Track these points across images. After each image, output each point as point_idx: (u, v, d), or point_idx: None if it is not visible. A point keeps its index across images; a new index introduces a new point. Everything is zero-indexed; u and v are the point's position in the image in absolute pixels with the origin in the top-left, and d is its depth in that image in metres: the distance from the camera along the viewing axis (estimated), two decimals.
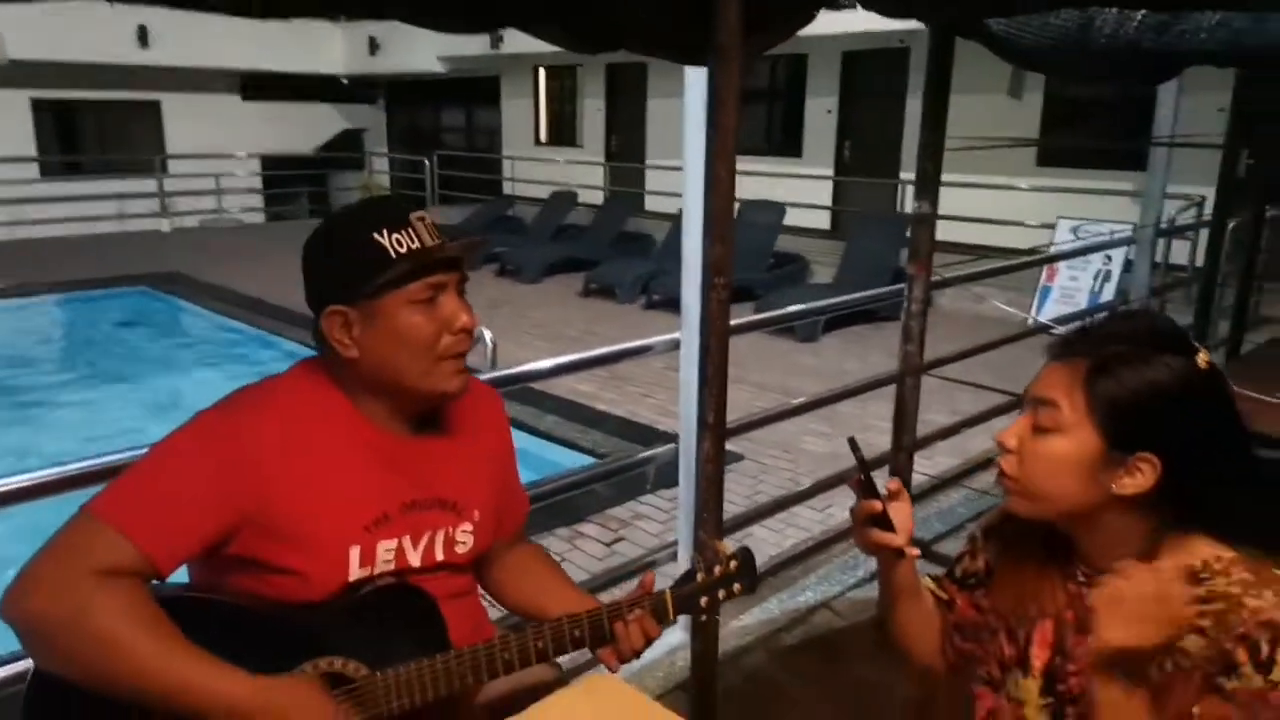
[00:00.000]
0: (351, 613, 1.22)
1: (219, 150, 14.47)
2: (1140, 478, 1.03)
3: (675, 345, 2.45)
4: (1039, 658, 1.15)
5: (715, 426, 1.95)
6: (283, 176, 15.53)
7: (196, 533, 1.15)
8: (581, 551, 3.71)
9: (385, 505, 1.26)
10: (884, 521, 1.17)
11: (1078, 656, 1.11)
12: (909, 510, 1.21)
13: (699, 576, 1.35)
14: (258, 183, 15.45)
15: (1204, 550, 1.06)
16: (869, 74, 10.80)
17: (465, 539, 1.34)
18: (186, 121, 14.75)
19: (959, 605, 1.29)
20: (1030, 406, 1.10)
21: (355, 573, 1.23)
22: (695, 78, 2.29)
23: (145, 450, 1.20)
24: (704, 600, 1.34)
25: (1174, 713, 1.02)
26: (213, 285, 9.81)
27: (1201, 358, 1.04)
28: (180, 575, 1.27)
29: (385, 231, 1.20)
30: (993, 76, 8.09)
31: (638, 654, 1.33)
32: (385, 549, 1.25)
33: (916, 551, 1.20)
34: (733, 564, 1.36)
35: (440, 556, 1.31)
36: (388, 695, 1.20)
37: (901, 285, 3.03)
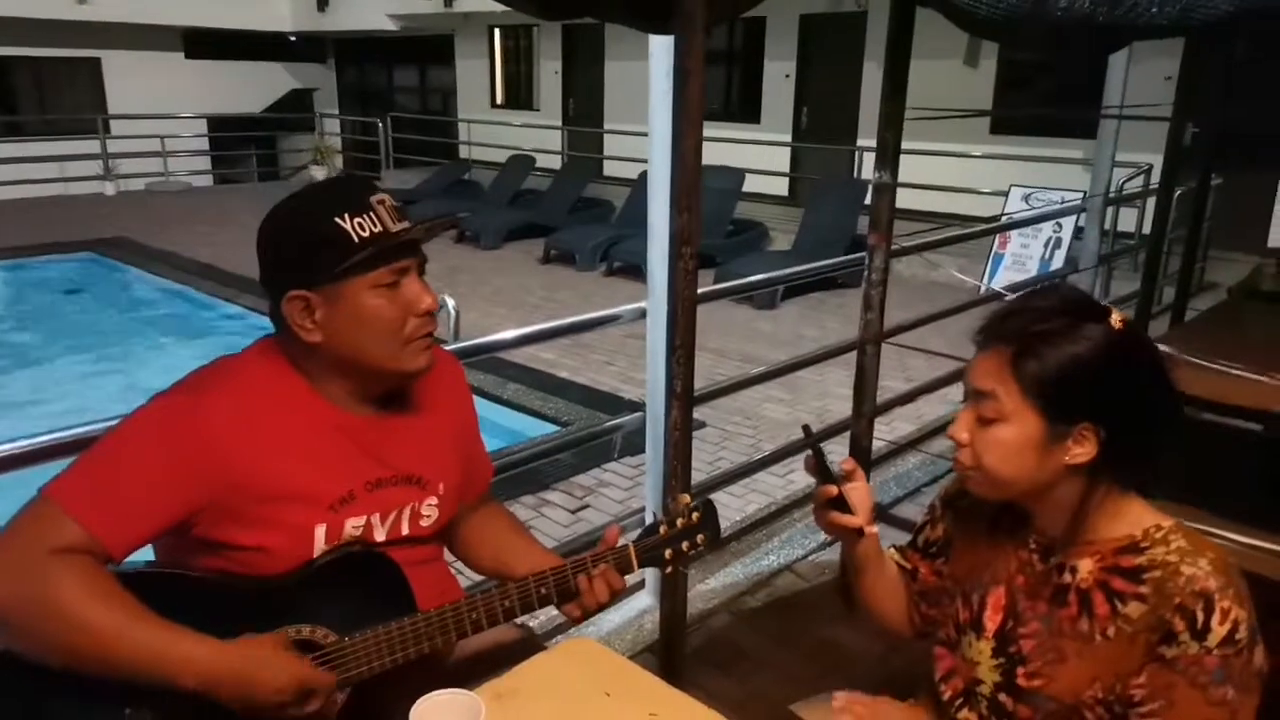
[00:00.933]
0: (316, 580, 1.23)
1: (163, 110, 14.03)
2: (1085, 445, 1.08)
3: (642, 314, 2.47)
4: (992, 621, 1.21)
5: (683, 395, 1.98)
6: (230, 138, 15.14)
7: (152, 518, 1.15)
8: (547, 519, 3.74)
9: (351, 484, 1.26)
10: (841, 504, 1.22)
11: (1028, 620, 1.17)
12: (866, 488, 1.25)
13: (661, 529, 1.37)
14: (204, 144, 15.07)
15: (1145, 519, 1.12)
16: (827, 38, 10.80)
17: (430, 512, 1.35)
18: (128, 80, 14.30)
19: (922, 573, 1.34)
20: (971, 399, 1.14)
21: (320, 550, 1.24)
22: (659, 46, 2.29)
23: (101, 430, 1.19)
24: (668, 552, 1.37)
25: (1118, 675, 1.08)
26: (162, 250, 9.59)
27: (1115, 318, 1.08)
28: (145, 551, 1.28)
29: (347, 216, 1.19)
30: (950, 43, 8.15)
31: (602, 607, 1.35)
32: (352, 526, 1.26)
33: (875, 529, 1.25)
34: (695, 515, 1.38)
35: (406, 531, 1.33)
36: (357, 659, 1.21)
37: (862, 254, 3.09)
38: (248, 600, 1.21)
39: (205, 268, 8.78)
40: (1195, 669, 1.03)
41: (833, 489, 1.21)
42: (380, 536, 1.30)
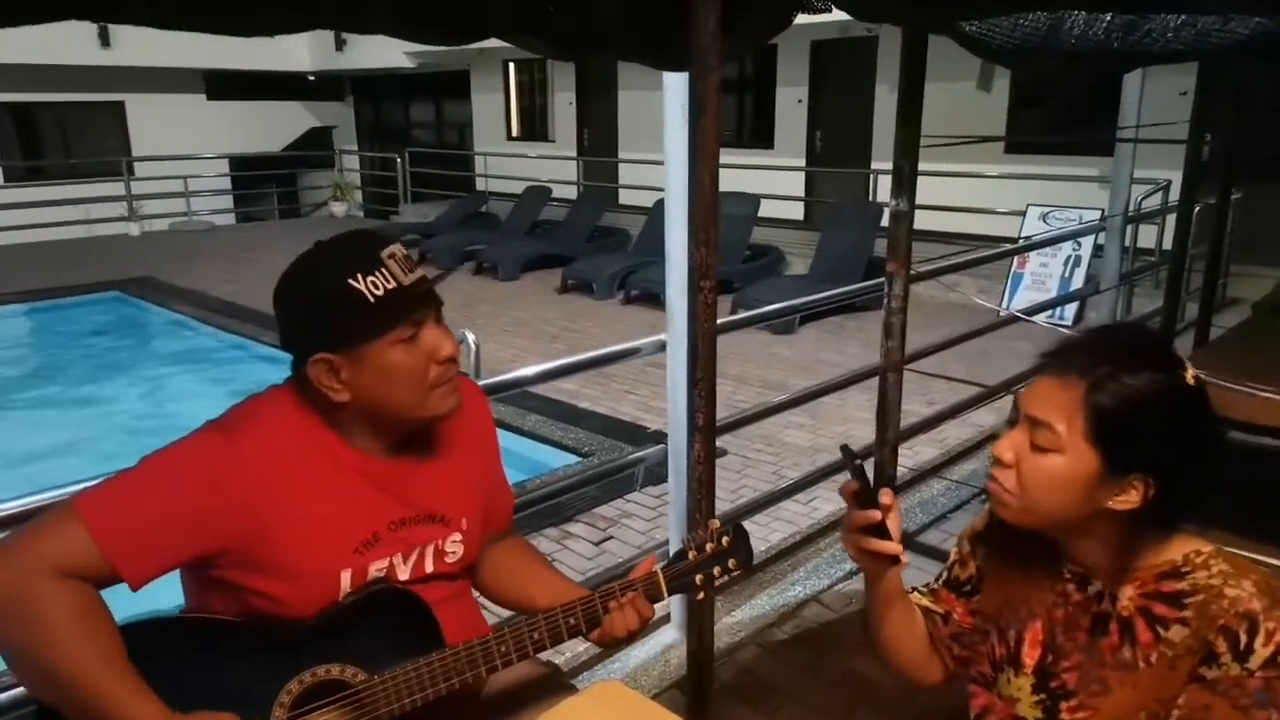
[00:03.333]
0: (343, 620, 1.23)
1: (185, 151, 14.27)
2: (1134, 494, 1.06)
3: (661, 347, 2.47)
4: (1030, 656, 1.18)
5: (705, 428, 1.98)
6: (251, 177, 15.35)
7: (171, 554, 1.15)
8: (571, 551, 3.73)
9: (375, 526, 1.27)
10: (880, 530, 1.17)
11: (1069, 653, 1.15)
12: (899, 519, 1.21)
13: (691, 555, 1.35)
14: (226, 183, 15.26)
15: (1185, 545, 1.10)
16: (838, 63, 10.85)
17: (455, 549, 1.35)
18: (151, 122, 14.56)
19: (957, 615, 1.30)
20: (1026, 424, 1.10)
21: (346, 593, 1.25)
22: (673, 80, 2.31)
23: (139, 460, 1.20)
24: (699, 579, 1.34)
25: (1162, 701, 1.06)
26: (186, 289, 9.71)
27: (1190, 374, 1.06)
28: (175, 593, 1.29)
29: (360, 276, 1.18)
30: (962, 67, 8.17)
31: (633, 636, 1.33)
32: (376, 569, 1.27)
33: (908, 559, 1.21)
34: (725, 540, 1.36)
35: (430, 568, 1.33)
36: (387, 697, 1.21)
37: (875, 281, 3.10)
38: (273, 643, 1.21)
39: (228, 305, 8.87)
40: (1237, 690, 1.01)
41: (876, 514, 1.15)
42: (404, 575, 1.30)
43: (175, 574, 1.27)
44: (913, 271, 2.67)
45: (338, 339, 1.21)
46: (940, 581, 1.35)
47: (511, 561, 1.49)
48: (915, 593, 1.35)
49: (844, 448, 1.20)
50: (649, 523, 4.00)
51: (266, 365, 7.04)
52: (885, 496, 1.18)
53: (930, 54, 2.36)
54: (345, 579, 1.24)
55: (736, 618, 2.79)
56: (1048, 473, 1.07)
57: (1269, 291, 4.69)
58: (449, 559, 1.35)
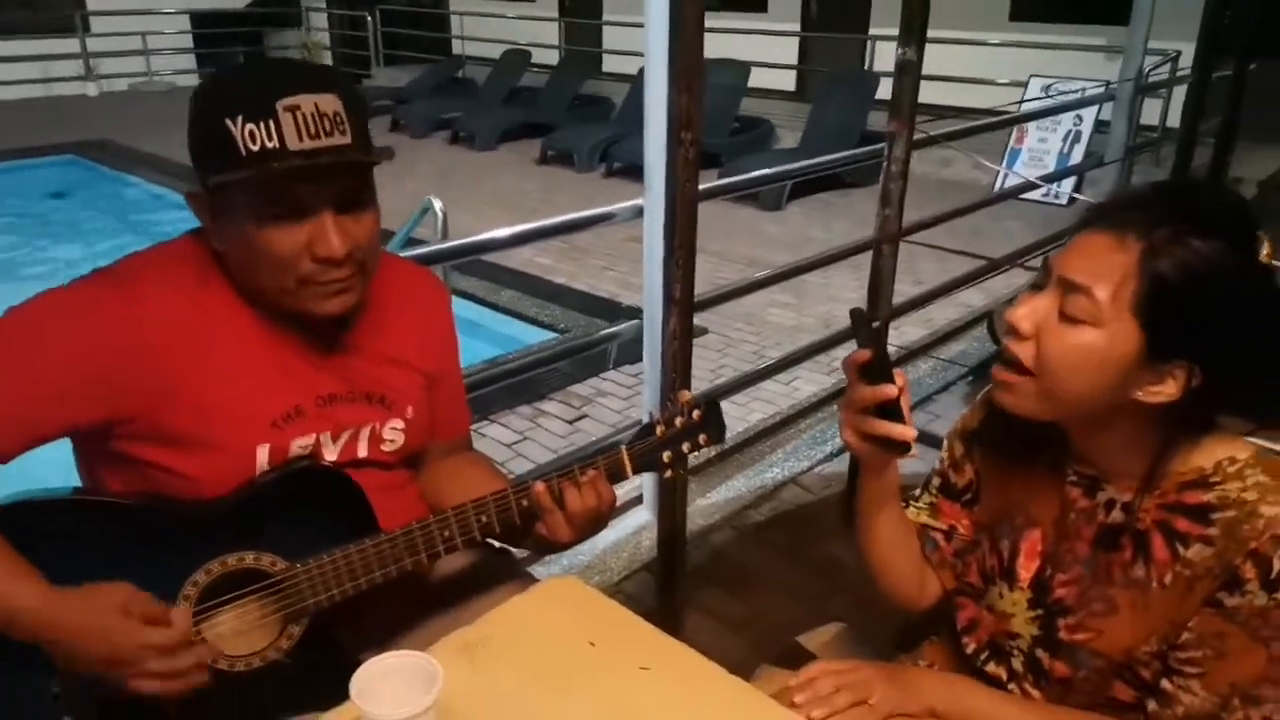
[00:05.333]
0: (259, 502, 1.08)
1: (144, 6, 13.41)
2: (1172, 385, 0.89)
3: (639, 213, 2.26)
4: (1026, 569, 1.04)
5: (683, 300, 1.81)
6: (215, 35, 14.51)
7: (42, 423, 0.99)
8: (544, 430, 3.61)
9: (298, 398, 1.10)
10: (893, 412, 0.96)
11: (1069, 565, 1.01)
12: (909, 401, 0.99)
13: (659, 430, 1.20)
14: (188, 42, 14.44)
15: (1217, 450, 0.93)
16: None
17: (395, 436, 1.19)
18: None
19: (961, 529, 1.15)
20: (1056, 287, 0.91)
21: (263, 470, 1.09)
22: None
23: (6, 311, 1.01)
24: (666, 455, 1.20)
25: (1173, 625, 0.93)
26: (148, 153, 9.25)
27: (1267, 250, 0.87)
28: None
29: (240, 119, 0.96)
30: None
31: (593, 523, 1.18)
32: (299, 446, 1.11)
33: (917, 452, 0.99)
34: (695, 414, 1.21)
35: (363, 453, 1.17)
36: (313, 588, 1.07)
37: (870, 148, 2.85)
38: (180, 525, 1.06)
39: (189, 169, 8.48)
40: (1258, 621, 0.87)
41: (892, 389, 0.95)
42: (331, 456, 1.14)
43: (67, 449, 1.11)
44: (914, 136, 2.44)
45: (209, 179, 1.01)
46: (934, 490, 1.18)
47: (468, 473, 1.31)
48: (911, 508, 1.18)
49: (855, 311, 1.00)
50: (624, 401, 3.87)
51: None
52: (900, 377, 0.97)
53: None
54: (263, 455, 1.08)
55: (711, 499, 2.69)
56: (1077, 349, 0.89)
57: (1275, 170, 4.49)
58: (386, 446, 1.19)
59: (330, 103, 1.00)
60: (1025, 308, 0.93)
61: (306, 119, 0.98)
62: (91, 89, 13.06)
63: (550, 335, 4.65)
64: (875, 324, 0.97)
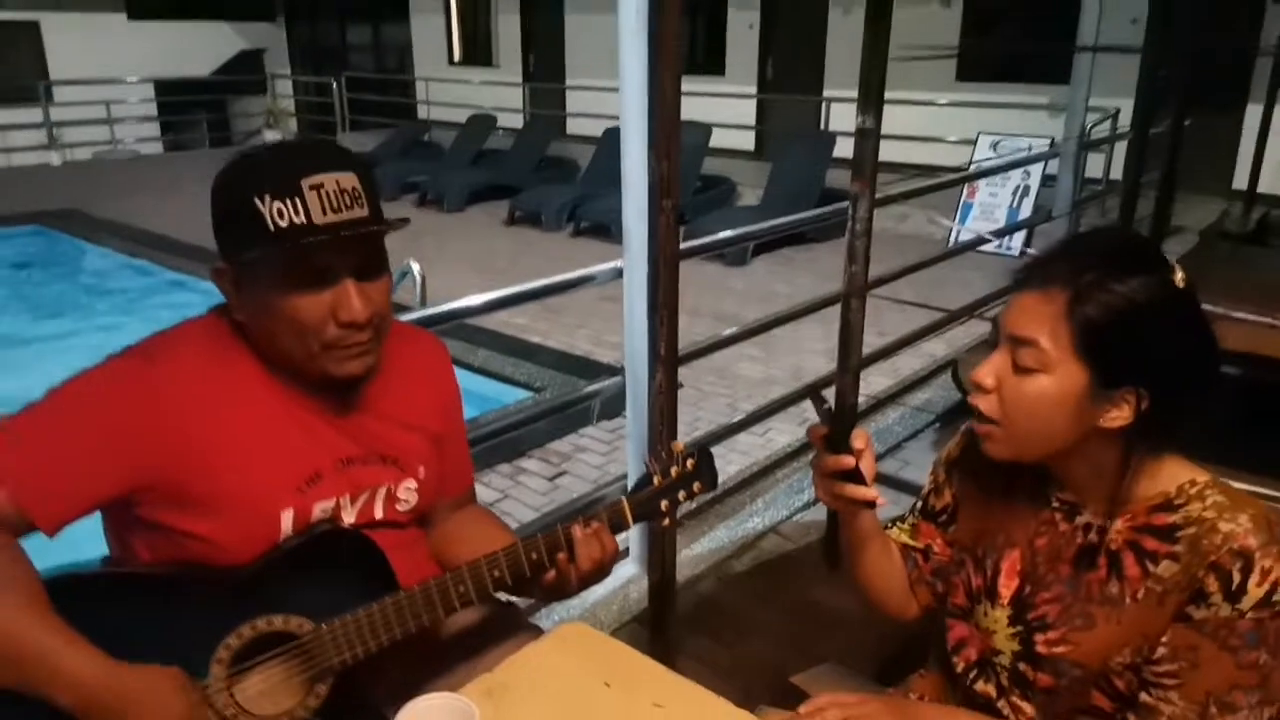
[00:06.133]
0: (284, 566, 1.13)
1: (107, 75, 13.48)
2: (1126, 409, 0.99)
3: (618, 274, 2.35)
4: (1007, 587, 1.13)
5: (667, 356, 1.89)
6: (179, 103, 14.61)
7: (88, 493, 1.04)
8: (525, 487, 3.65)
9: (319, 462, 1.16)
10: (854, 475, 1.11)
11: (1049, 584, 1.10)
12: (873, 460, 1.14)
13: (655, 480, 1.28)
14: (152, 109, 14.53)
15: (1179, 475, 1.03)
16: None
17: (408, 496, 1.25)
18: (69, 44, 13.71)
19: (937, 549, 1.25)
20: (1007, 344, 1.03)
21: (287, 535, 1.14)
22: None
23: (44, 393, 1.06)
24: (664, 503, 1.28)
25: (1146, 637, 1.01)
26: (114, 222, 9.24)
27: (1179, 275, 0.99)
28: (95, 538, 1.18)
29: (267, 197, 1.04)
30: None
31: (598, 571, 1.24)
32: (321, 509, 1.16)
33: (884, 500, 1.15)
34: (689, 462, 1.30)
35: (379, 514, 1.23)
36: (337, 647, 1.11)
37: (834, 206, 2.99)
38: (210, 592, 1.10)
39: (158, 238, 8.48)
40: (1225, 631, 0.96)
41: (850, 460, 1.10)
42: (349, 518, 1.19)
43: (97, 523, 1.16)
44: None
45: (234, 255, 1.09)
46: (917, 513, 1.28)
47: (474, 527, 1.39)
48: (895, 528, 1.28)
49: (812, 393, 1.14)
50: (603, 457, 3.93)
51: (198, 299, 6.76)
52: (859, 440, 1.12)
53: None
54: (287, 520, 1.13)
55: (695, 551, 2.74)
56: (1034, 394, 1.00)
57: (1216, 217, 4.74)
58: (401, 506, 1.25)
59: (349, 179, 1.09)
60: (985, 366, 1.04)
61: (329, 195, 1.06)
62: (55, 158, 13.03)
63: (526, 394, 4.71)
64: (827, 405, 1.13)
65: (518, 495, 3.56)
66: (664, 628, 2.17)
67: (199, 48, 15.08)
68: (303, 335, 1.09)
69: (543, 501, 3.53)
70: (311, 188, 1.05)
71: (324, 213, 1.06)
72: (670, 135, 1.69)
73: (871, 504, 1.13)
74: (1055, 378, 0.99)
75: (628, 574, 2.52)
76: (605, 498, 2.75)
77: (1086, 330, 0.97)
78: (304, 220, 1.05)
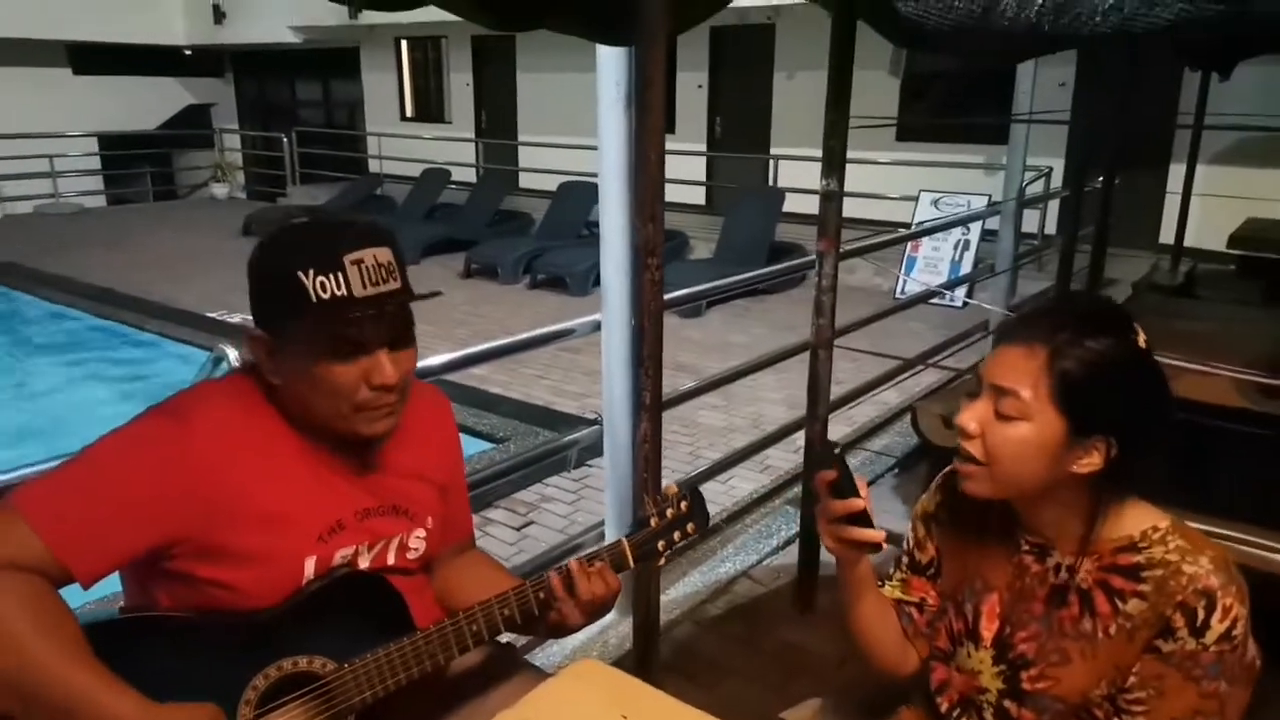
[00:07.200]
0: (307, 609, 1.18)
1: (50, 129, 13.30)
2: (1096, 456, 1.09)
3: (596, 327, 2.44)
4: (988, 629, 1.21)
5: (653, 406, 1.97)
6: (123, 156, 14.46)
7: (124, 546, 1.08)
8: (492, 538, 3.67)
9: (340, 513, 1.22)
10: (862, 519, 1.15)
11: (1026, 623, 1.18)
12: (872, 505, 1.19)
13: (653, 522, 1.36)
14: (96, 163, 14.34)
15: (1143, 519, 1.13)
16: (738, 49, 10.96)
17: (418, 545, 1.32)
18: (12, 98, 13.48)
19: (930, 600, 1.31)
20: (989, 393, 1.12)
21: (309, 580, 1.19)
22: (608, 56, 2.28)
23: (80, 450, 1.11)
24: (661, 544, 1.36)
25: (1119, 670, 1.10)
26: (56, 275, 9.07)
27: (1140, 337, 1.10)
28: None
29: (310, 271, 1.11)
30: (874, 54, 8.38)
31: (600, 607, 1.32)
32: (341, 556, 1.22)
33: (889, 545, 1.19)
34: (683, 505, 1.38)
35: (391, 560, 1.28)
36: (359, 686, 1.17)
37: (800, 260, 3.14)
38: (235, 636, 1.14)
39: (104, 291, 8.35)
40: (1189, 663, 1.05)
41: (861, 502, 1.14)
42: (364, 565, 1.25)
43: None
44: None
45: (273, 324, 1.16)
46: (905, 569, 1.35)
47: (477, 570, 1.45)
48: (886, 586, 1.34)
49: (825, 441, 1.21)
50: (570, 506, 3.97)
51: (147, 354, 6.67)
52: (861, 486, 1.18)
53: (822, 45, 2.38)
54: (309, 566, 1.19)
55: (671, 596, 2.80)
56: (1015, 440, 1.09)
57: (1146, 271, 5.00)
58: (410, 554, 1.31)
59: (385, 254, 1.16)
60: (969, 413, 1.14)
61: (368, 270, 1.14)
62: None
63: (488, 446, 4.73)
64: (838, 450, 1.20)
65: (486, 546, 3.58)
66: (649, 673, 2.21)
67: (146, 102, 14.97)
68: (335, 398, 1.16)
69: (511, 551, 3.55)
70: (352, 262, 1.12)
71: (364, 286, 1.13)
72: (655, 200, 1.79)
73: (878, 546, 1.17)
74: (1035, 425, 1.09)
75: (606, 620, 2.55)
76: (582, 546, 2.80)
77: (1065, 383, 1.07)
78: (345, 293, 1.11)
